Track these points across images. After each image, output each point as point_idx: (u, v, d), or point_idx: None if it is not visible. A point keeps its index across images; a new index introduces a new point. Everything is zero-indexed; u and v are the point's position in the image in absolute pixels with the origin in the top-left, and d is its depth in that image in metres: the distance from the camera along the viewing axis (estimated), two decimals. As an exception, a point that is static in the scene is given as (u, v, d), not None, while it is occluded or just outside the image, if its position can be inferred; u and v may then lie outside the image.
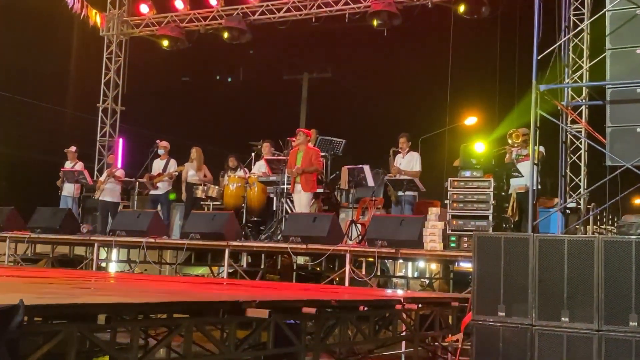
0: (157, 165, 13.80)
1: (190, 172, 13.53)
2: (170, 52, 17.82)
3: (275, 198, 12.19)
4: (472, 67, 19.44)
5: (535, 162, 8.35)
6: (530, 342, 6.41)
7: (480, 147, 10.01)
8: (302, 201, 11.58)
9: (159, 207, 13.52)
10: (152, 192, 13.67)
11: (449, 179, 10.02)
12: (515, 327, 6.53)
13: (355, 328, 6.67)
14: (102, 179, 14.46)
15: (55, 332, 4.20)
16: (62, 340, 4.19)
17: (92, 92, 18.65)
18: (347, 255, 10.11)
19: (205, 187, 13.06)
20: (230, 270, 11.42)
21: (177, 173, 13.66)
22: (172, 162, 13.75)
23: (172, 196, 13.82)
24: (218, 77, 24.36)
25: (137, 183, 13.50)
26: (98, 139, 18.08)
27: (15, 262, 13.24)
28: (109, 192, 14.02)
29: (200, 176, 13.53)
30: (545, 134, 9.51)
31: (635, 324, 6.07)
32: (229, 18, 16.75)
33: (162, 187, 13.63)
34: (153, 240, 11.78)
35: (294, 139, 12.63)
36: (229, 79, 23.91)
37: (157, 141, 13.85)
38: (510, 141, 10.73)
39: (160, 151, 13.80)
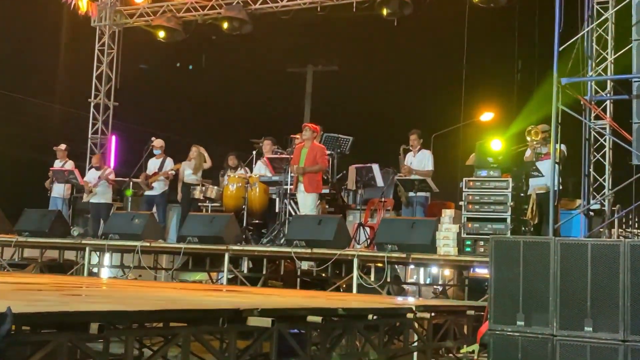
0: (153, 165, 13.82)
1: (187, 172, 13.54)
2: (167, 44, 17.84)
3: (277, 199, 12.18)
4: (488, 59, 19.42)
5: (557, 161, 8.34)
6: (551, 353, 6.39)
7: (497, 145, 9.99)
8: (307, 203, 11.57)
9: (154, 209, 13.53)
10: (147, 192, 13.68)
11: (464, 178, 10.00)
12: (535, 337, 6.51)
13: (364, 338, 6.67)
14: (87, 179, 14.42)
15: (45, 341, 4.21)
16: (52, 351, 4.20)
17: (82, 86, 18.67)
18: (355, 261, 10.10)
19: (204, 188, 13.06)
20: (230, 276, 11.42)
21: (173, 172, 13.68)
22: (169, 160, 13.75)
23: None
24: (188, 67, 23.79)
25: (131, 183, 13.51)
26: (90, 136, 18.09)
27: (1, 267, 13.27)
28: (100, 193, 14.02)
29: (198, 176, 13.53)
30: (567, 131, 9.49)
31: (664, 334, 6.05)
32: (229, 7, 16.76)
33: (158, 187, 13.65)
34: (148, 244, 11.78)
35: (297, 136, 12.61)
36: (190, 67, 23.65)
37: (153, 139, 13.86)
38: (529, 138, 10.71)
39: (156, 151, 13.80)
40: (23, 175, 19.42)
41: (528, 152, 10.93)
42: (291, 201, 11.91)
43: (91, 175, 14.41)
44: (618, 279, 6.25)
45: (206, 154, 13.66)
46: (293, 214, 11.77)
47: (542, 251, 6.61)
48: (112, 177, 14.13)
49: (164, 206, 13.80)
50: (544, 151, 10.67)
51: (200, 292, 8.54)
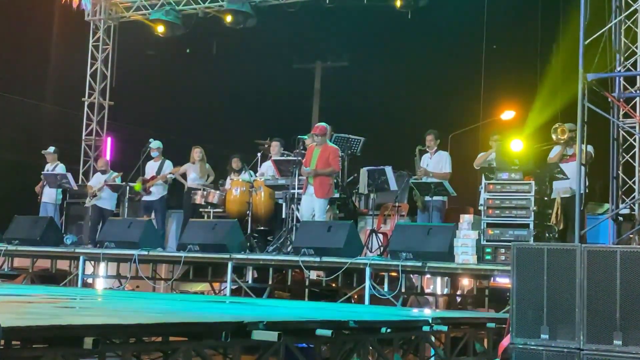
0: (151, 168, 13.81)
1: (192, 175, 13.53)
2: (166, 39, 17.86)
3: (284, 204, 12.19)
4: (509, 54, 19.40)
5: (583, 162, 8.32)
6: (578, 368, 6.38)
7: (517, 145, 9.96)
8: (315, 206, 11.55)
9: (152, 215, 13.54)
10: (145, 198, 13.68)
11: (484, 181, 9.99)
12: (560, 351, 6.50)
13: (377, 353, 6.66)
14: (91, 184, 14.45)
15: (36, 357, 4.22)
16: (43, 367, 4.22)
17: (76, 84, 18.70)
18: (367, 270, 10.10)
19: (205, 192, 13.05)
20: (234, 287, 11.43)
21: (172, 176, 13.68)
22: (167, 163, 13.75)
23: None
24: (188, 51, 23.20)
25: (127, 188, 13.51)
26: (83, 138, 18.13)
27: (-10, 277, 13.32)
28: (104, 198, 14.02)
29: (204, 181, 13.53)
30: (594, 130, 9.47)
31: (699, 347, 6.03)
32: (232, 0, 16.79)
33: (156, 192, 13.64)
34: (146, 253, 11.80)
35: (305, 137, 12.62)
36: (187, 50, 23.32)
37: (150, 140, 13.86)
38: (554, 137, 10.66)
39: (154, 153, 13.81)
40: (12, 179, 19.46)
41: (552, 153, 10.89)
42: (299, 206, 11.91)
43: (96, 180, 14.45)
44: (649, 289, 6.24)
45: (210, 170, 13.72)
46: (301, 219, 11.76)
47: (567, 259, 6.59)
48: (117, 182, 14.05)
49: (163, 212, 13.80)
50: (570, 152, 10.64)
51: (202, 303, 8.55)
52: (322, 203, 11.56)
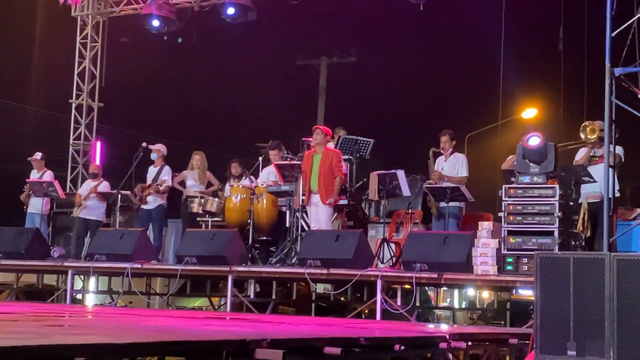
0: (151, 173, 13.75)
1: (190, 182, 13.52)
2: (158, 35, 17.90)
3: (288, 212, 12.20)
4: (530, 46, 19.42)
5: (612, 164, 8.31)
6: (608, 387, 6.37)
7: (535, 140, 9.91)
8: (320, 216, 11.57)
9: (150, 226, 13.49)
10: (143, 206, 13.58)
11: (504, 185, 9.97)
12: (589, 369, 6.49)
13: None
14: (80, 192, 14.46)
15: (22, 380, 4.22)
16: (30, 390, 4.22)
17: (62, 85, 18.76)
18: (379, 282, 10.10)
19: (202, 200, 13.04)
20: (235, 302, 11.43)
21: (165, 186, 13.52)
22: (166, 169, 13.60)
23: None
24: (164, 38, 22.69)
25: (119, 196, 13.50)
26: (71, 142, 18.17)
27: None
28: (91, 208, 14.01)
29: (203, 188, 13.51)
30: (624, 129, 9.46)
31: None
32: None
33: (153, 200, 13.60)
34: (139, 266, 11.81)
35: (310, 139, 12.64)
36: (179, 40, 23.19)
37: (144, 144, 13.82)
38: (583, 136, 10.61)
39: (153, 155, 13.73)
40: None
41: (579, 154, 10.86)
42: (304, 214, 11.91)
43: (85, 187, 14.42)
44: (685, 301, 6.23)
45: (213, 177, 13.72)
46: (306, 229, 11.77)
47: (595, 269, 6.59)
48: (103, 189, 14.00)
49: (161, 222, 13.72)
50: (598, 153, 10.59)
51: (201, 320, 8.56)
52: (328, 210, 11.57)
